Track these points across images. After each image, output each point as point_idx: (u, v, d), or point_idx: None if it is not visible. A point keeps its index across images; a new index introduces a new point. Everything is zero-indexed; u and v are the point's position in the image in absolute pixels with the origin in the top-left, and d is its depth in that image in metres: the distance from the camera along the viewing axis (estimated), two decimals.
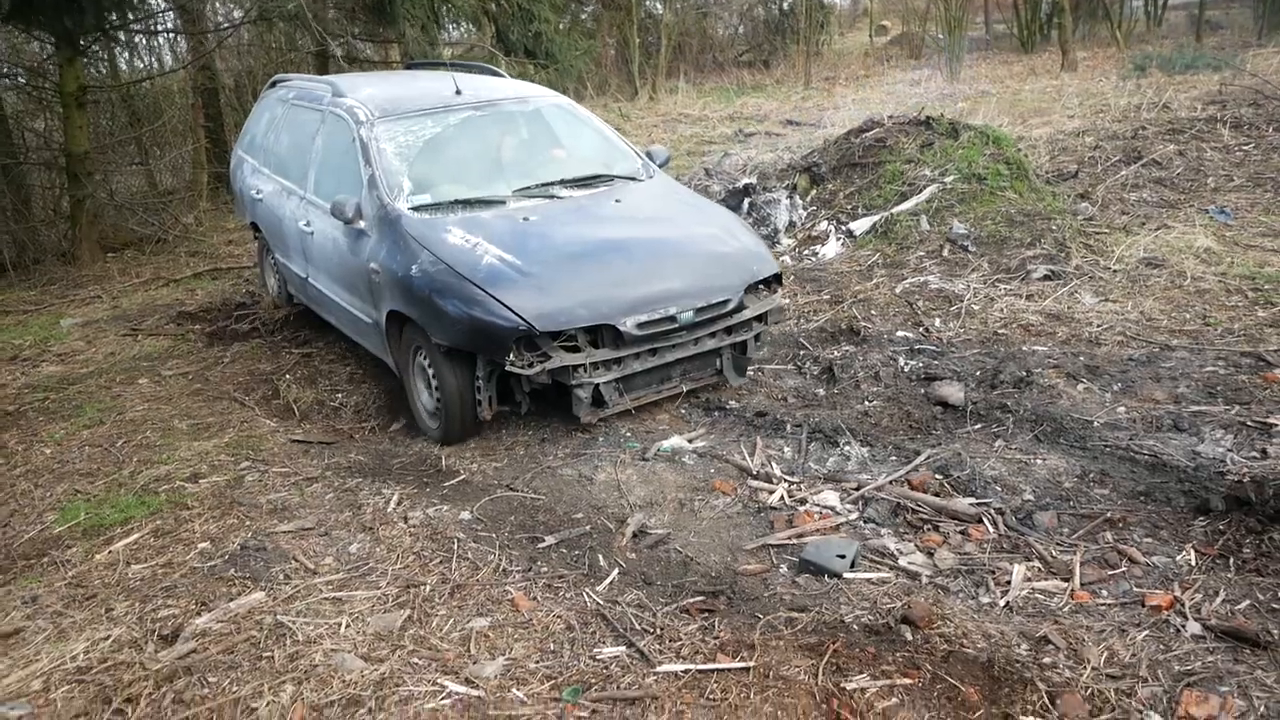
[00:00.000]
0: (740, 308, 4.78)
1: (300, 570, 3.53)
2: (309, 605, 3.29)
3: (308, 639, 3.09)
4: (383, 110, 5.38)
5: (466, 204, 4.92)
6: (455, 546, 3.63)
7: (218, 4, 12.49)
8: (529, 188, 5.15)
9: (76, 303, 8.14)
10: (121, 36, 11.23)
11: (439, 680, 2.84)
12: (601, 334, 4.42)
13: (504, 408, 4.73)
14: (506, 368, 4.29)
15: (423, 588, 3.36)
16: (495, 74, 6.66)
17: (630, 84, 20.70)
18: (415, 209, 4.83)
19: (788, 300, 5.44)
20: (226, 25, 12.42)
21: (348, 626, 3.16)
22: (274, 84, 7.15)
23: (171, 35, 13.18)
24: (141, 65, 13.95)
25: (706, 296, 4.60)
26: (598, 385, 4.46)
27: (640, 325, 4.41)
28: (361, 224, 4.92)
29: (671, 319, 4.49)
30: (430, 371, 4.66)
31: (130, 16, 9.74)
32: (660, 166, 5.79)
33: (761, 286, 4.95)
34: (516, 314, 4.22)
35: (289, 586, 3.41)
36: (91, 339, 6.92)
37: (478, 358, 4.46)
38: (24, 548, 3.86)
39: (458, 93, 5.63)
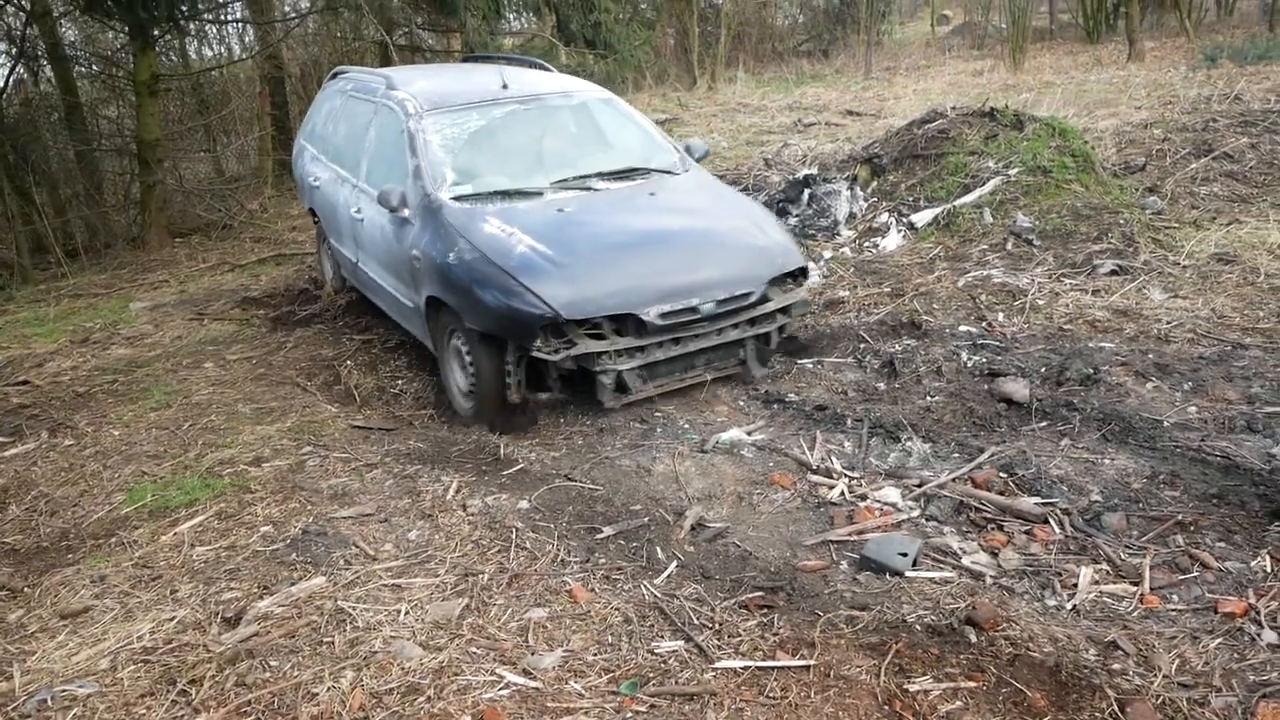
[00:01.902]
0: (764, 300, 4.86)
1: (360, 556, 3.57)
2: (368, 591, 3.33)
3: (367, 625, 3.13)
4: (431, 103, 5.57)
5: (505, 195, 5.09)
6: (513, 536, 3.64)
7: None
8: (566, 180, 5.29)
9: (145, 286, 8.35)
10: (192, 27, 11.47)
11: (497, 670, 2.86)
12: (626, 323, 4.55)
13: (535, 394, 4.83)
14: (533, 353, 4.45)
15: (481, 576, 3.38)
16: (544, 68, 6.78)
17: (689, 73, 20.58)
18: (456, 199, 5.02)
19: (810, 294, 5.50)
20: (294, 15, 12.62)
21: (407, 614, 3.19)
22: (335, 75, 7.33)
23: (240, 25, 13.44)
24: (210, 54, 14.25)
25: (729, 288, 4.70)
26: (621, 372, 4.58)
27: (663, 315, 4.54)
28: (406, 212, 5.10)
29: (694, 309, 4.60)
30: (464, 353, 4.84)
31: (201, 7, 9.94)
32: (698, 160, 5.89)
33: (787, 279, 5.03)
34: (545, 302, 4.38)
35: (349, 572, 3.46)
36: (159, 322, 7.09)
37: (508, 342, 4.58)
38: (93, 527, 3.97)
39: (504, 87, 5.79)
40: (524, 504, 3.92)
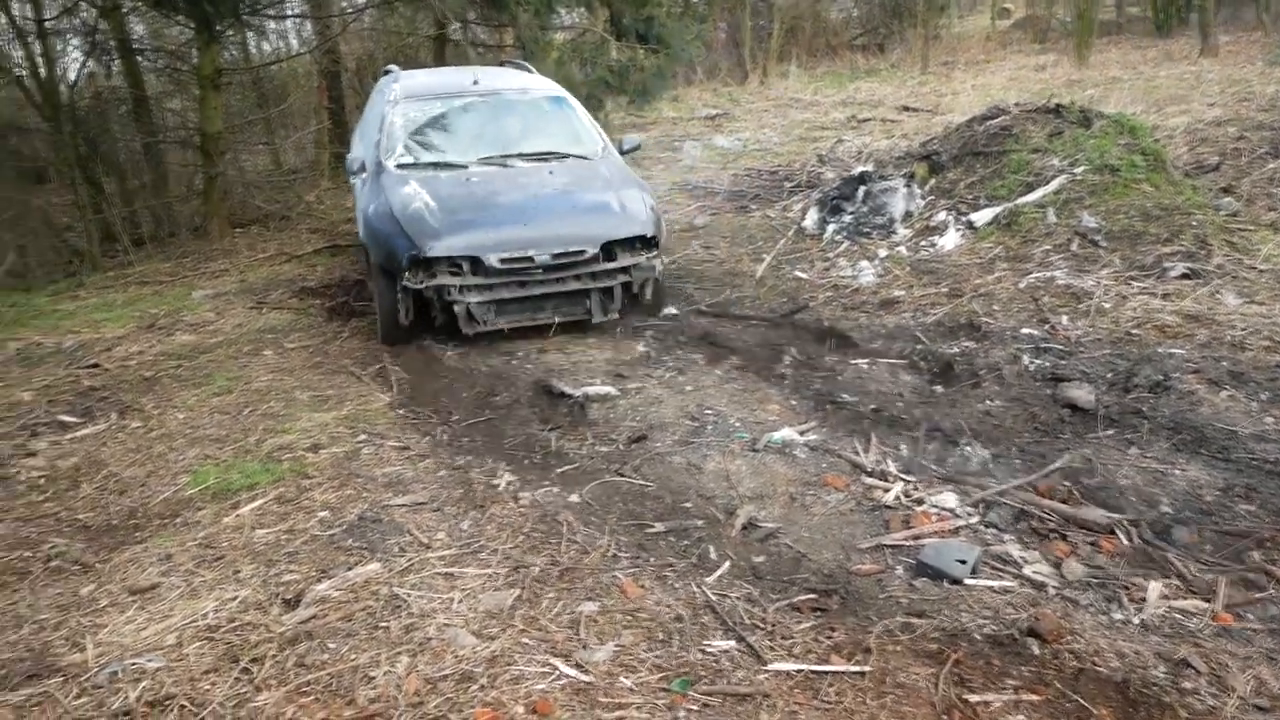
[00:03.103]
0: (606, 259, 5.81)
1: (414, 544, 3.60)
2: (422, 579, 3.36)
3: (421, 612, 3.15)
4: (408, 93, 6.92)
5: (436, 166, 6.33)
6: (564, 529, 3.65)
7: None
8: (490, 158, 6.47)
9: (207, 275, 8.53)
10: (254, 21, 11.67)
11: (550, 662, 2.86)
12: (479, 266, 5.61)
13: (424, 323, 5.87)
14: (403, 282, 5.61)
15: (532, 568, 3.39)
16: (526, 70, 8.02)
17: (740, 68, 20.44)
18: (398, 166, 6.31)
19: (660, 264, 6.10)
20: (351, 10, 12.78)
21: (460, 602, 3.21)
22: (385, 72, 8.16)
23: (298, 20, 13.65)
24: (269, 49, 14.49)
25: (564, 245, 5.69)
26: (470, 305, 5.64)
27: (502, 260, 5.60)
28: (363, 176, 6.46)
29: (529, 259, 5.63)
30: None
31: (263, 2, 10.11)
32: (625, 153, 6.95)
33: (639, 246, 5.91)
34: (413, 242, 5.58)
35: (403, 559, 3.49)
36: (220, 310, 7.23)
37: (397, 276, 5.66)
38: (159, 507, 4.06)
39: (475, 83, 7.09)
40: (574, 498, 3.93)
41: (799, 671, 2.74)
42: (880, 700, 2.59)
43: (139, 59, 10.99)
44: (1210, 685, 2.59)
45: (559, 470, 4.21)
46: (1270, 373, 4.63)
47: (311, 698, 2.78)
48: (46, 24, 10.14)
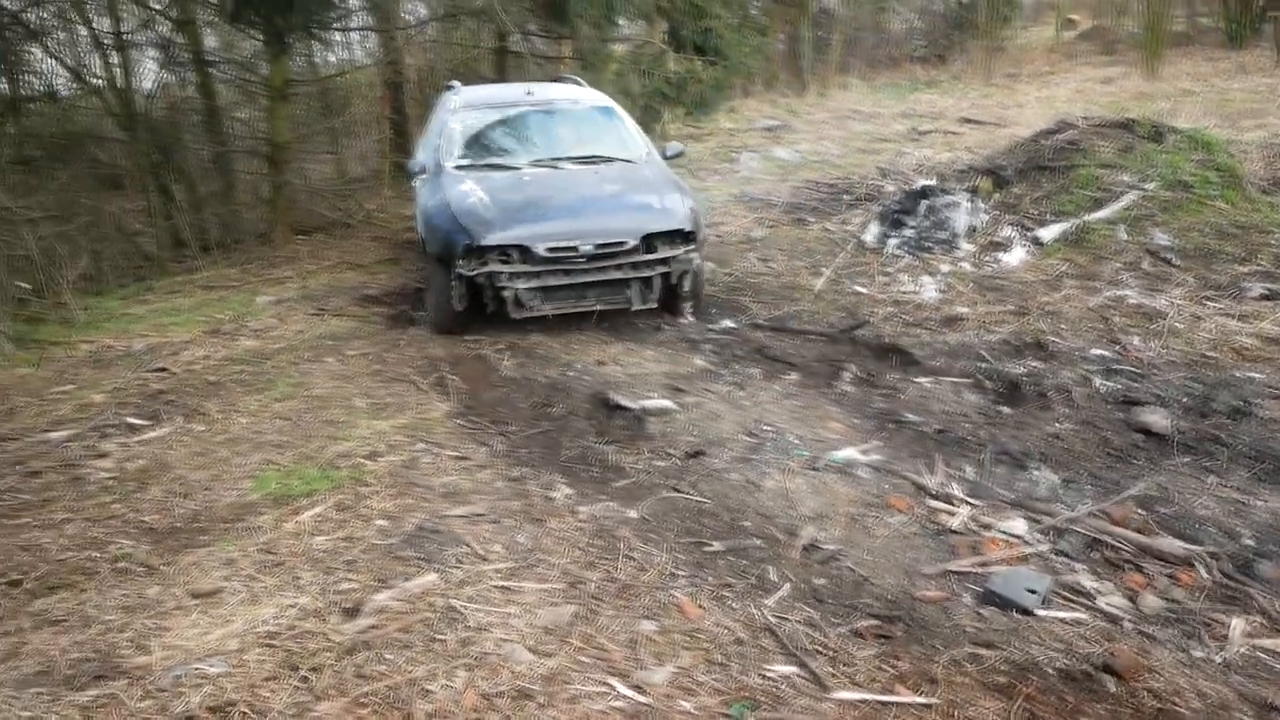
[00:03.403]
0: (647, 251, 6.18)
1: (471, 556, 3.60)
2: (479, 592, 3.35)
3: (478, 626, 3.14)
4: (466, 103, 7.61)
5: (491, 167, 6.89)
6: (621, 546, 3.62)
7: (407, 2, 13.08)
8: (541, 160, 7.00)
9: (271, 281, 8.70)
10: (323, 34, 11.92)
11: (607, 681, 2.83)
12: (527, 254, 6.04)
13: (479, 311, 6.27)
14: (456, 268, 6.06)
15: (589, 584, 3.36)
16: (577, 83, 8.61)
17: (799, 79, 20.31)
18: (456, 167, 6.88)
19: (697, 258, 6.44)
20: (416, 22, 12.98)
21: (517, 616, 3.19)
22: (448, 86, 8.64)
23: (364, 32, 13.90)
24: (334, 60, 14.79)
25: (606, 237, 6.08)
26: (518, 291, 6.04)
27: (549, 249, 6.03)
28: (424, 177, 7.00)
29: (574, 249, 6.04)
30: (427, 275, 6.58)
31: (332, 16, 10.32)
32: (668, 158, 7.41)
33: (679, 241, 6.25)
34: (468, 231, 6.05)
35: (460, 571, 3.49)
36: (283, 316, 7.36)
37: (452, 265, 6.10)
38: (223, 511, 4.12)
39: (529, 94, 7.75)
40: (632, 513, 3.90)
41: (864, 701, 2.67)
42: None
43: (211, 70, 11.28)
44: None
45: (616, 484, 4.18)
46: None
47: (369, 709, 2.79)
48: (125, 37, 10.47)
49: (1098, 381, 4.87)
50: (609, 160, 7.10)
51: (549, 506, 3.98)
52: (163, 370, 6.12)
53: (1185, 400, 4.58)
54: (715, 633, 3.06)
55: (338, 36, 13.74)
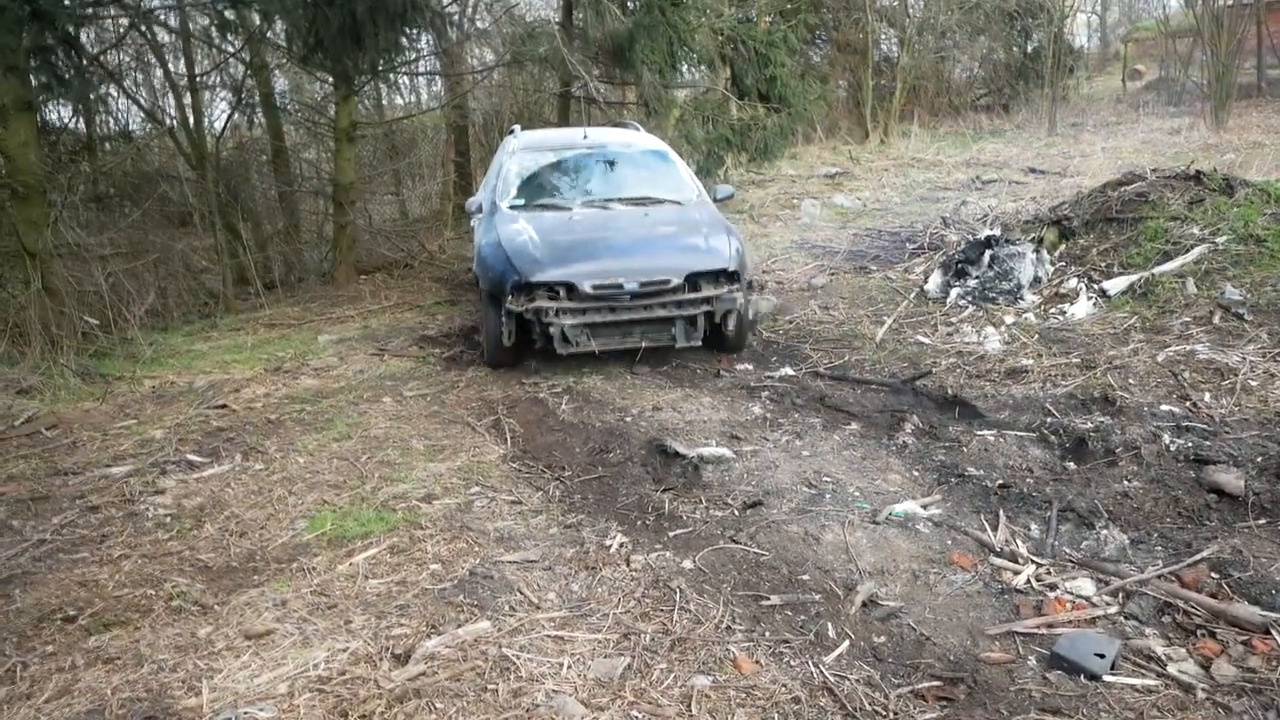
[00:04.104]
0: (691, 289, 6.31)
1: (524, 604, 3.57)
2: (531, 641, 3.31)
3: (530, 676, 3.10)
4: (524, 145, 7.78)
5: (543, 207, 7.07)
6: (676, 596, 3.56)
7: (475, 47, 13.41)
8: (593, 200, 7.20)
9: (332, 320, 8.86)
10: (391, 77, 12.26)
11: None
12: (574, 292, 6.17)
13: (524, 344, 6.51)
14: (506, 304, 6.20)
15: (643, 636, 3.31)
16: (634, 128, 8.87)
17: (860, 126, 20.33)
18: (510, 207, 7.07)
19: (741, 297, 6.50)
20: (481, 67, 13.29)
21: (569, 667, 3.14)
22: (510, 132, 8.86)
23: (431, 76, 14.27)
24: (400, 102, 15.19)
25: (651, 275, 6.23)
26: (565, 327, 6.15)
27: (594, 286, 6.17)
28: (480, 215, 7.23)
29: (619, 286, 6.17)
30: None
31: (399, 59, 10.62)
32: (718, 200, 7.56)
33: (723, 280, 6.38)
34: (517, 270, 6.23)
35: (513, 619, 3.46)
36: (344, 356, 7.48)
37: (502, 301, 6.25)
38: (277, 551, 4.15)
39: (584, 138, 7.89)
40: (688, 564, 3.84)
41: None
42: None
43: (281, 112, 11.66)
44: None
45: (672, 533, 4.13)
46: None
47: None
48: (198, 79, 10.88)
49: (1167, 439, 4.70)
50: (658, 202, 7.22)
51: (604, 554, 3.94)
52: (223, 407, 6.24)
53: (1260, 460, 4.40)
54: (771, 690, 2.98)
55: (405, 80, 14.12)
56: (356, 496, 4.67)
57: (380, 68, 10.27)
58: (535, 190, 7.33)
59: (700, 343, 6.47)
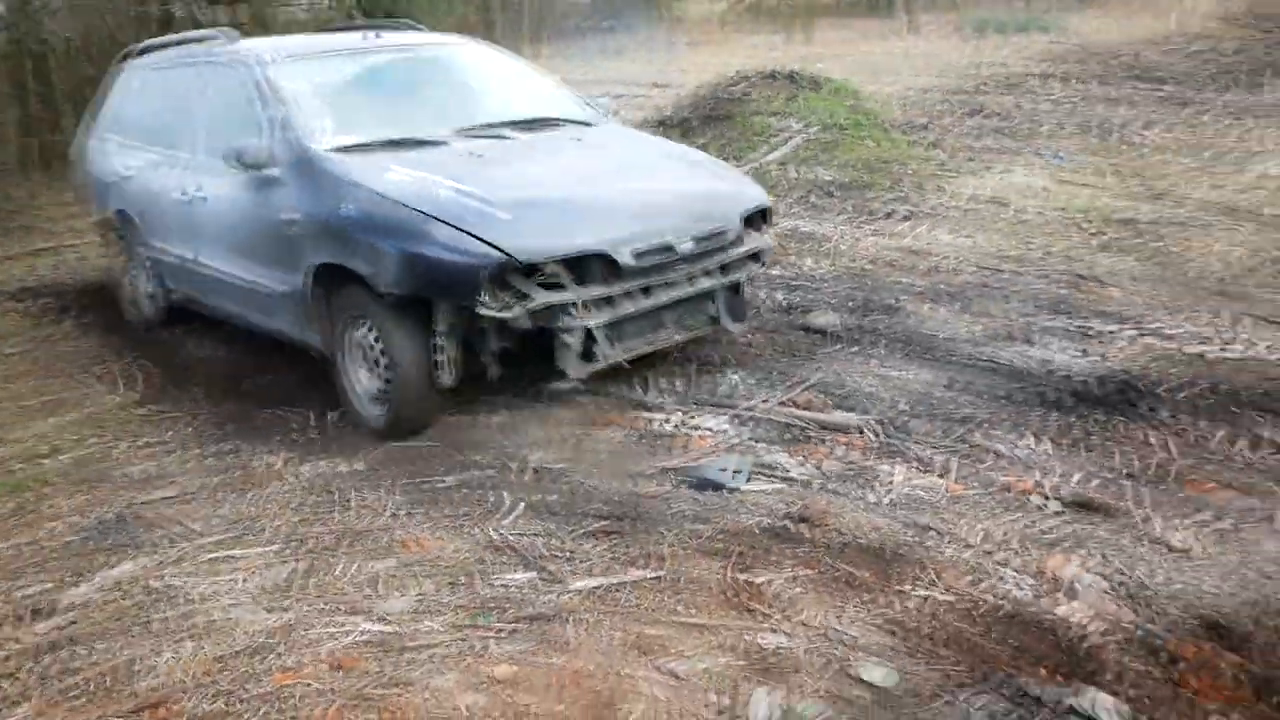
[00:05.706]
0: (739, 241, 4.34)
1: (184, 534, 3.40)
2: (197, 566, 3.19)
3: (201, 597, 2.99)
4: (290, 52, 4.91)
5: (401, 144, 4.35)
6: (349, 497, 3.57)
7: None
8: (471, 129, 4.60)
9: None
10: None
11: (348, 619, 2.80)
12: (591, 268, 3.83)
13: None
14: (479, 311, 3.65)
15: (319, 539, 3.29)
16: (417, 29, 6.01)
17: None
18: (341, 149, 4.26)
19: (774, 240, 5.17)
20: None
21: (244, 581, 3.07)
22: (141, 52, 6.14)
23: None
24: None
25: (707, 224, 4.15)
26: (589, 330, 3.84)
27: (638, 255, 3.84)
28: (275, 170, 4.26)
29: (669, 249, 3.97)
30: (373, 341, 3.97)
31: None
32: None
33: (761, 223, 4.61)
34: (489, 243, 3.61)
35: (174, 550, 3.30)
36: None
37: (435, 312, 3.84)
38: None
39: (378, 36, 5.25)
40: (357, 466, 3.84)
41: (599, 586, 2.86)
42: (676, 595, 2.76)
43: None
44: (949, 541, 2.98)
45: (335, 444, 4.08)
46: (977, 290, 5.30)
47: (83, 698, 2.58)
48: None
49: (780, 296, 5.43)
50: (560, 123, 4.95)
51: (261, 473, 3.83)
52: None
53: (850, 304, 5.24)
54: (455, 558, 3.12)
55: None
56: None
57: None
58: (358, 120, 4.51)
59: (745, 323, 4.68)
